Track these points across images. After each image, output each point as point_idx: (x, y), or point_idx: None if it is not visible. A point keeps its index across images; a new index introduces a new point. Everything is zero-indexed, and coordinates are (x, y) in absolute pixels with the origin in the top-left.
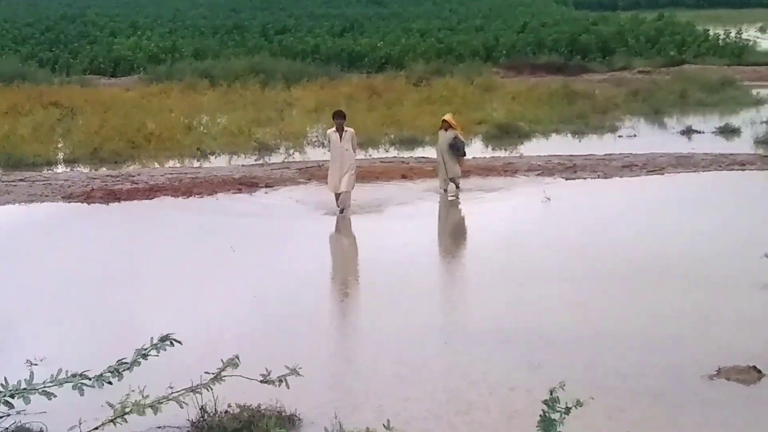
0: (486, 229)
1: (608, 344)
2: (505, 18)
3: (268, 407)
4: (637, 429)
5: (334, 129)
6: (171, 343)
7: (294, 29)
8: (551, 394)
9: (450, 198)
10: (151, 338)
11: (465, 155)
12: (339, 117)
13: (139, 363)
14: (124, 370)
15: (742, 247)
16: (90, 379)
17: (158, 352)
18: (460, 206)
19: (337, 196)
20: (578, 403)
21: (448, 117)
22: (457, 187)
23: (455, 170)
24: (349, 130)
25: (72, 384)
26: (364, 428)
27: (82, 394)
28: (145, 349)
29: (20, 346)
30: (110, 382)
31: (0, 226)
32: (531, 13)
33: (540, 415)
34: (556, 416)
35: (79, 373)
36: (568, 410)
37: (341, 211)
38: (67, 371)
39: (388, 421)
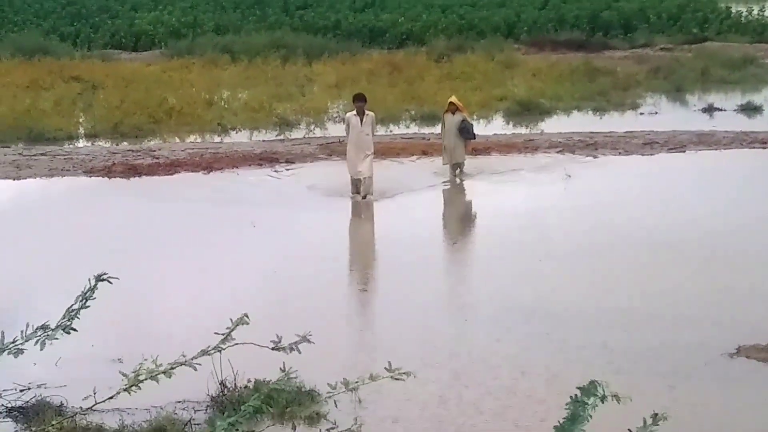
0: (506, 207)
1: (626, 322)
2: None
3: (295, 386)
4: (657, 408)
5: (354, 112)
6: (106, 280)
7: (315, 4)
8: (592, 385)
9: (450, 187)
10: (89, 279)
11: (475, 138)
12: (360, 100)
13: (86, 305)
14: (74, 314)
15: (763, 225)
16: (51, 331)
17: (92, 290)
18: (479, 185)
19: (356, 180)
20: (616, 398)
21: (454, 99)
22: (462, 171)
23: (462, 155)
24: (369, 114)
25: (36, 340)
26: (382, 386)
27: (42, 348)
28: (85, 292)
29: (30, 312)
30: (67, 330)
31: (22, 199)
32: None
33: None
34: (591, 401)
35: (41, 325)
36: (603, 399)
37: (364, 197)
38: (33, 326)
39: (390, 363)
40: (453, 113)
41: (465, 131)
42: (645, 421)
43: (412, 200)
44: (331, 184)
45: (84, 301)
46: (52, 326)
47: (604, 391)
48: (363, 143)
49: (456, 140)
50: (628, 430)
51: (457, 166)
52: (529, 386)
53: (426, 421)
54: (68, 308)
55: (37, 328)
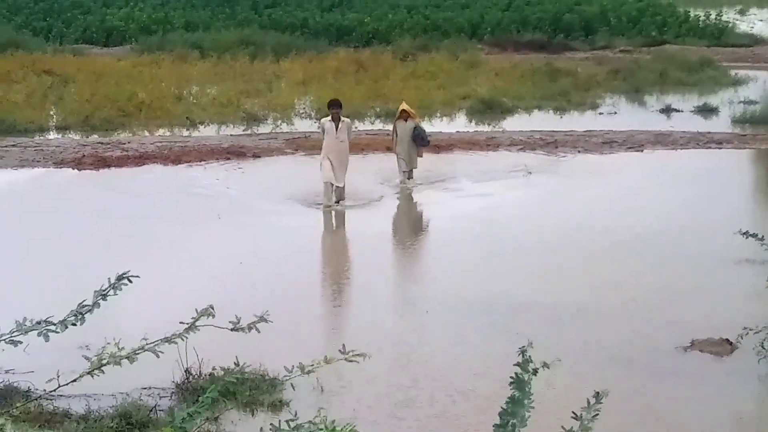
0: (467, 206)
1: (584, 314)
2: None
3: (252, 371)
4: (611, 394)
5: (329, 118)
6: (128, 280)
7: (283, 3)
8: (523, 355)
9: (408, 190)
10: (108, 278)
11: (429, 143)
12: (335, 106)
13: (99, 305)
14: (86, 312)
15: (717, 223)
16: (54, 324)
17: (116, 291)
18: (440, 185)
19: (329, 187)
20: (545, 365)
21: (405, 106)
22: (411, 177)
23: (415, 161)
24: (345, 121)
25: (37, 331)
26: (331, 374)
27: (47, 340)
28: (104, 290)
29: (3, 302)
30: (74, 324)
31: None
32: None
33: (512, 377)
34: (526, 377)
35: (43, 319)
36: (535, 371)
37: (337, 202)
38: (32, 319)
39: (344, 345)
40: (405, 120)
41: (419, 138)
42: (588, 402)
43: (379, 202)
44: (296, 178)
45: (102, 297)
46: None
47: (533, 365)
48: (339, 150)
49: (410, 147)
50: (573, 412)
51: (409, 173)
52: (482, 368)
53: (389, 418)
54: (80, 303)
55: (38, 321)
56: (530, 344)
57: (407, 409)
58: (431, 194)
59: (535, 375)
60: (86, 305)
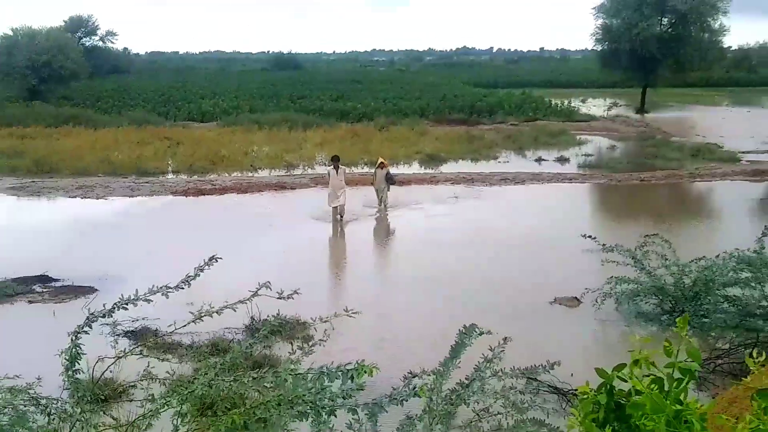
0: (420, 217)
1: (491, 283)
2: (432, 92)
3: (290, 318)
4: (508, 332)
5: (332, 167)
6: (216, 260)
7: (308, 96)
8: (465, 328)
9: (379, 215)
10: (204, 259)
11: (395, 183)
12: (336, 160)
13: (199, 275)
14: (190, 281)
15: (569, 227)
16: (171, 289)
17: (209, 266)
18: (403, 208)
19: (335, 209)
20: (487, 332)
21: (382, 159)
22: (386, 207)
23: (386, 196)
24: (342, 168)
25: (161, 293)
26: (338, 322)
27: (167, 297)
28: (200, 267)
29: (142, 275)
30: (182, 288)
31: (134, 208)
32: (448, 88)
33: (458, 332)
34: (466, 339)
35: (165, 285)
36: (481, 333)
37: (340, 218)
38: (158, 285)
39: (346, 306)
40: (381, 168)
41: (390, 180)
42: (498, 344)
43: (366, 218)
44: (319, 205)
45: (199, 272)
46: (171, 286)
47: (479, 330)
48: (339, 186)
49: (384, 185)
50: (482, 354)
51: (382, 201)
52: (435, 320)
53: (367, 354)
54: (186, 275)
55: (161, 287)
56: (475, 325)
57: (384, 343)
58: (398, 212)
59: (479, 336)
60: (190, 276)
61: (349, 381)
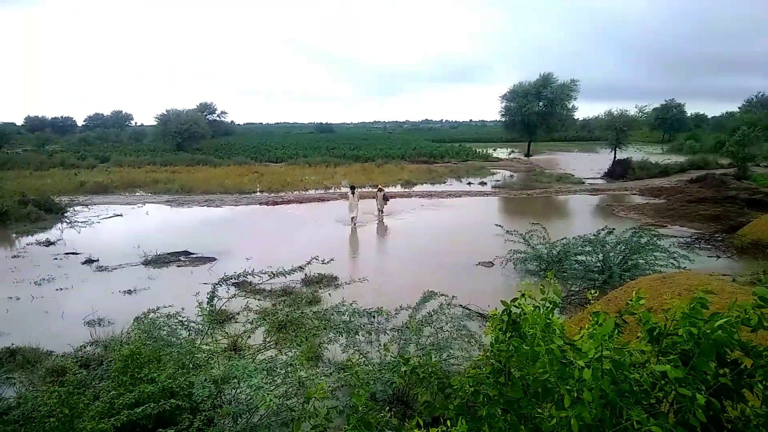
0: (400, 222)
1: (441, 255)
2: (407, 145)
3: (328, 276)
4: (452, 282)
5: (350, 192)
6: (315, 258)
7: (337, 147)
8: (426, 294)
9: (378, 220)
10: (311, 257)
11: (389, 200)
12: (353, 188)
13: (302, 268)
14: (297, 270)
15: (487, 220)
16: (283, 274)
17: (308, 264)
18: (390, 217)
19: (352, 218)
20: (450, 298)
21: (380, 185)
22: (383, 215)
23: (383, 208)
24: (357, 192)
25: (266, 274)
26: (359, 280)
27: (271, 277)
28: (306, 263)
29: (242, 252)
30: (296, 271)
31: (236, 214)
32: (416, 143)
33: (423, 293)
34: (430, 296)
35: (268, 266)
36: (432, 294)
37: (354, 226)
38: (264, 267)
39: (362, 277)
40: (380, 191)
41: (385, 199)
42: (450, 296)
43: (371, 222)
44: (342, 212)
45: (300, 268)
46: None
47: (433, 292)
48: (354, 205)
49: (381, 203)
50: (443, 297)
51: (380, 212)
52: (418, 279)
53: (371, 299)
54: (298, 266)
55: (262, 270)
56: (435, 292)
57: (382, 296)
58: (390, 218)
59: (434, 297)
60: (298, 266)
61: (372, 317)
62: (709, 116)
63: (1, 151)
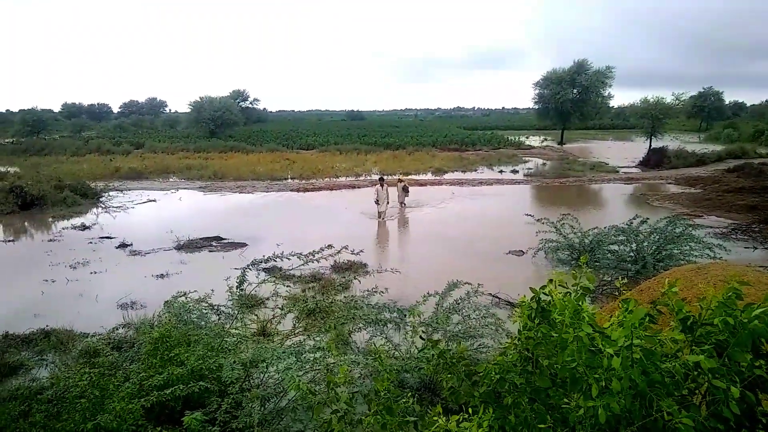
0: (431, 210)
1: (476, 241)
2: (438, 132)
3: (356, 263)
4: (482, 270)
5: (379, 185)
6: (329, 246)
7: (368, 135)
8: (449, 284)
9: (402, 211)
10: (325, 244)
11: (408, 193)
12: (381, 180)
13: (330, 250)
14: (312, 259)
15: (518, 210)
16: (313, 259)
17: (324, 250)
18: (416, 208)
19: (380, 212)
20: (476, 288)
21: (401, 177)
22: (405, 205)
23: (404, 200)
24: (385, 185)
25: (295, 257)
26: (392, 271)
27: (304, 262)
28: (320, 250)
29: (273, 239)
30: (307, 263)
31: (267, 200)
32: (448, 131)
33: (448, 282)
34: (452, 287)
35: (298, 251)
36: (472, 285)
37: (382, 219)
38: (293, 251)
39: (391, 267)
40: (400, 182)
41: (406, 190)
42: (477, 285)
43: (395, 214)
44: (368, 200)
45: (316, 253)
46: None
47: (459, 281)
48: (382, 197)
49: (402, 194)
50: (469, 286)
51: (402, 206)
52: (445, 266)
53: (400, 286)
54: (313, 251)
55: (292, 253)
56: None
57: (408, 280)
58: (413, 209)
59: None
60: (316, 251)
61: (403, 315)
62: (748, 104)
63: (38, 137)
